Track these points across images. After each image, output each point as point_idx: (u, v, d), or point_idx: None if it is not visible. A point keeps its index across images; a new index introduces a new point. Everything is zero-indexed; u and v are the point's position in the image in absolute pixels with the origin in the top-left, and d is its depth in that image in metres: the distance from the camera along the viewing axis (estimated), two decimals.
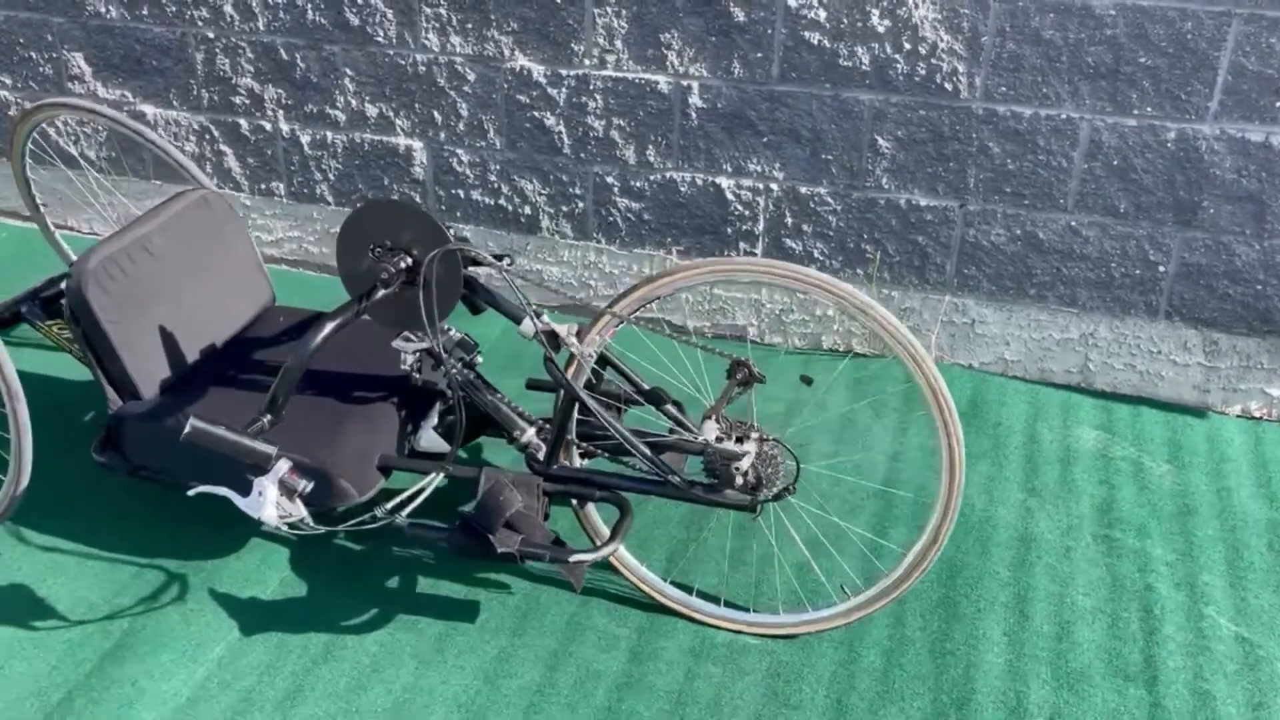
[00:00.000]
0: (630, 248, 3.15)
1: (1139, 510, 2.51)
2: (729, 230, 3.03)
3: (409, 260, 2.04)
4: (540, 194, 3.16)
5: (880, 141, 2.80)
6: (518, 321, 2.11)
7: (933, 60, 2.67)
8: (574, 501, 2.23)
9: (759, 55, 2.80)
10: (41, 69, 3.53)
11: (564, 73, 2.99)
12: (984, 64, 2.65)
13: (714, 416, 1.99)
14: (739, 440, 1.96)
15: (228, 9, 3.22)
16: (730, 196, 2.98)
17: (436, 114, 3.16)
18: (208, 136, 3.44)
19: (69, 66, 3.49)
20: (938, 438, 1.98)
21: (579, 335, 2.06)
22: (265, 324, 2.57)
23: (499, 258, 2.07)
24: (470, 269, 2.12)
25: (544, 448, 2.16)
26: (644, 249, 3.13)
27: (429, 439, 2.28)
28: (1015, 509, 2.50)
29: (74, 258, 3.12)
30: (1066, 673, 2.12)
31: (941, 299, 2.90)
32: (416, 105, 3.17)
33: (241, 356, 2.45)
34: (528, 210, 3.20)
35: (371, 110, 3.22)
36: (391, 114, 3.21)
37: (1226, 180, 2.59)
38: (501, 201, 3.21)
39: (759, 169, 2.93)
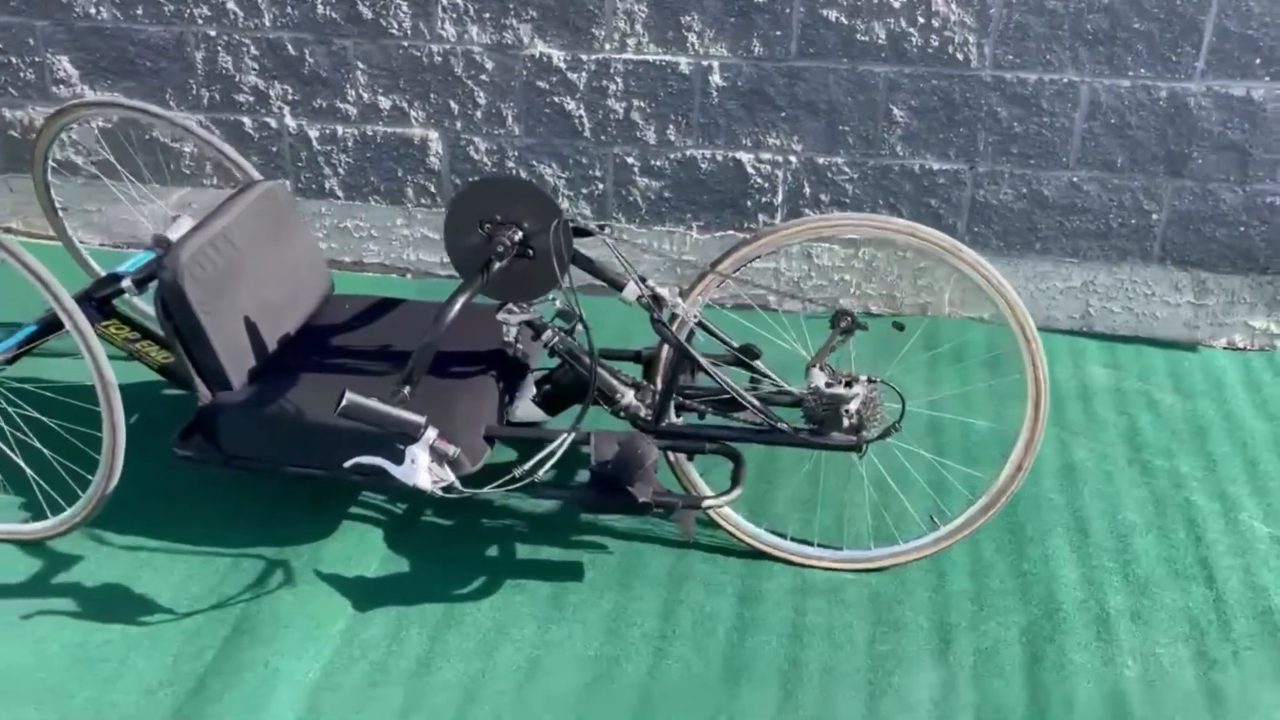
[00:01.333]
0: (650, 225, 3.26)
1: (1160, 435, 2.75)
2: (748, 203, 3.17)
3: (520, 233, 2.12)
4: (559, 177, 3.25)
5: (895, 111, 2.98)
6: (619, 288, 2.21)
7: (945, 32, 2.87)
8: (671, 457, 2.34)
9: (778, 33, 2.95)
10: (23, 74, 3.44)
11: (584, 57, 3.08)
12: (992, 34, 2.85)
13: (818, 365, 2.13)
14: (847, 385, 2.10)
15: (231, 6, 3.20)
16: (750, 170, 3.13)
17: (453, 103, 3.21)
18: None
19: (53, 70, 3.42)
20: (1023, 370, 2.16)
21: (681, 297, 2.17)
22: (333, 311, 2.59)
23: (600, 227, 2.16)
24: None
25: (642, 408, 2.27)
26: (663, 226, 3.25)
27: (525, 409, 2.36)
28: (1052, 442, 2.71)
29: (95, 266, 3.07)
30: (1135, 579, 2.32)
31: None
32: (432, 96, 3.22)
33: (320, 343, 2.48)
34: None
35: (385, 102, 3.25)
36: (406, 105, 3.24)
37: (1213, 133, 2.86)
38: None
39: (778, 142, 3.08)
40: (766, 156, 3.10)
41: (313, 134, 3.33)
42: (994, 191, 3.03)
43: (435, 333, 1.99)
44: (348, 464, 1.95)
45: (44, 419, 2.49)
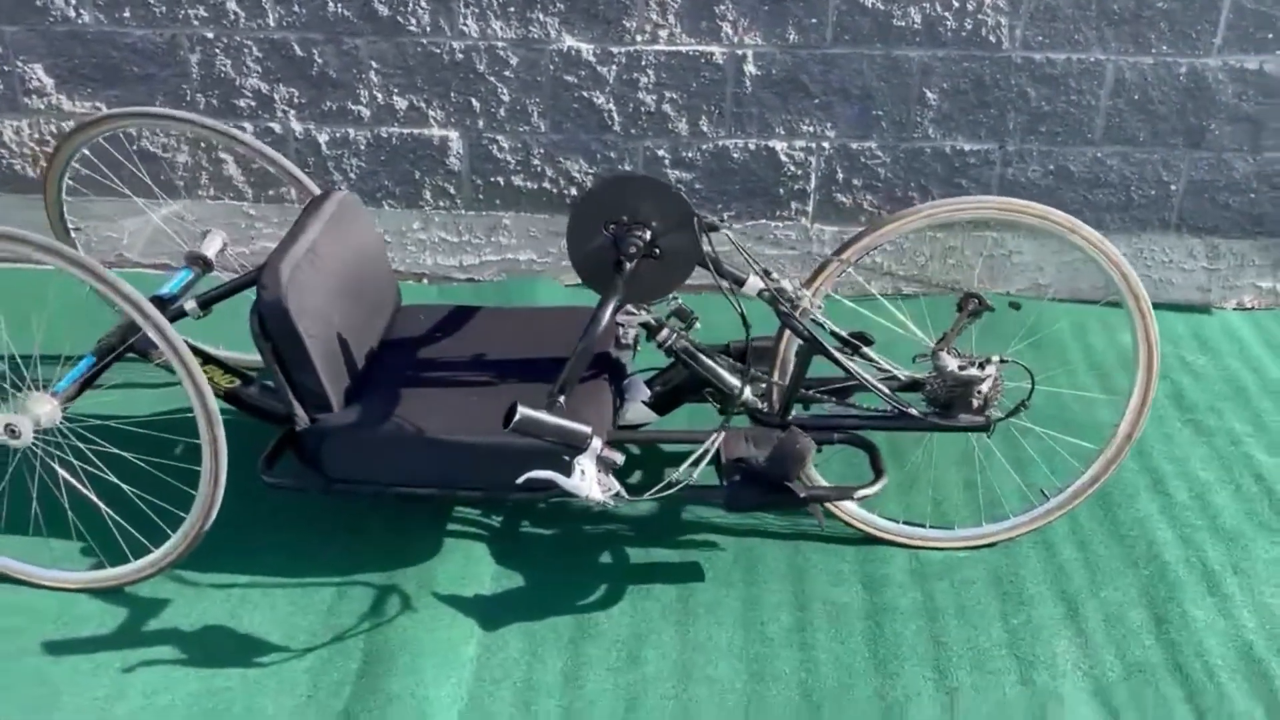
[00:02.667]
0: None
1: (1203, 395, 2.88)
2: (780, 191, 3.17)
3: (649, 232, 2.07)
4: (587, 173, 3.19)
5: (928, 94, 3.03)
6: (740, 283, 2.19)
7: (979, 16, 2.92)
8: None
9: (813, 21, 2.96)
10: None
11: (614, 50, 3.03)
12: (1023, 16, 2.92)
13: (947, 349, 2.15)
14: (980, 366, 2.13)
15: (231, 6, 3.02)
16: (784, 158, 3.13)
17: (475, 101, 3.11)
18: (203, 145, 3.22)
19: (25, 80, 3.16)
20: (1135, 340, 2.23)
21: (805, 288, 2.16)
22: (409, 323, 2.49)
23: (721, 221, 2.13)
24: None
25: (760, 402, 2.25)
26: None
27: (636, 412, 2.31)
28: (1109, 409, 2.81)
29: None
30: (1224, 534, 2.43)
31: (984, 235, 3.18)
32: (452, 94, 3.11)
33: (409, 357, 2.38)
34: (573, 191, 3.21)
35: (401, 103, 3.12)
36: (424, 105, 3.12)
37: (1229, 105, 3.00)
38: (545, 184, 3.20)
39: (812, 129, 3.09)
40: (800, 144, 3.11)
41: (321, 138, 3.18)
42: (1023, 170, 3.11)
43: (589, 341, 1.93)
44: (520, 480, 1.87)
45: (124, 455, 2.31)
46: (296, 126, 3.17)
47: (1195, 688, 2.08)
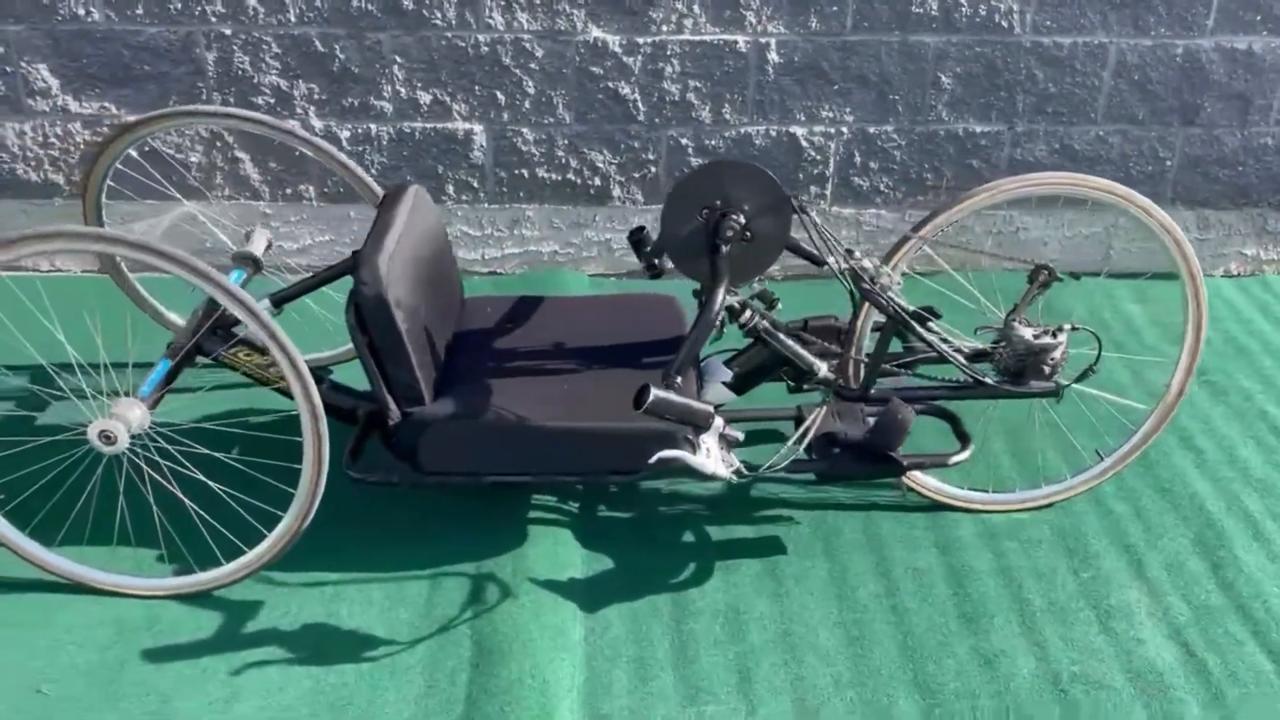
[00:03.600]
0: None
1: (1211, 358, 3.05)
2: (800, 175, 3.26)
3: (743, 217, 2.12)
4: (611, 163, 3.22)
5: (942, 79, 3.15)
6: (819, 263, 2.26)
7: (992, 2, 3.05)
8: None
9: (834, 9, 3.04)
10: None
11: (640, 41, 3.07)
12: (1033, 1, 3.06)
13: (1019, 319, 2.26)
14: (1052, 335, 2.24)
15: (251, 2, 2.98)
16: (804, 144, 3.21)
17: (499, 94, 3.12)
18: (219, 144, 3.16)
19: (29, 81, 3.07)
20: (1186, 304, 2.37)
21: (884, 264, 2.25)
22: (478, 314, 2.50)
23: (804, 204, 2.20)
24: None
25: (839, 377, 2.33)
26: None
27: (715, 392, 2.36)
28: (1127, 374, 2.97)
29: (149, 297, 2.78)
30: (1256, 484, 2.59)
31: (994, 213, 3.31)
32: (476, 88, 3.11)
33: (487, 347, 2.39)
34: (598, 181, 3.24)
35: (424, 97, 3.11)
36: (448, 99, 3.12)
37: (1221, 84, 3.19)
38: (569, 176, 3.23)
39: (831, 115, 3.18)
40: (819, 129, 3.20)
41: (343, 134, 3.15)
42: (1030, 149, 3.25)
43: (704, 324, 1.97)
44: (651, 460, 1.91)
45: (216, 455, 2.28)
46: (317, 123, 3.14)
47: (1260, 626, 2.22)
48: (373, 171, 3.21)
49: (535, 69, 3.09)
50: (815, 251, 2.25)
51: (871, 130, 3.21)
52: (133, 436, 2.12)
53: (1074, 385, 2.31)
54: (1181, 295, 2.39)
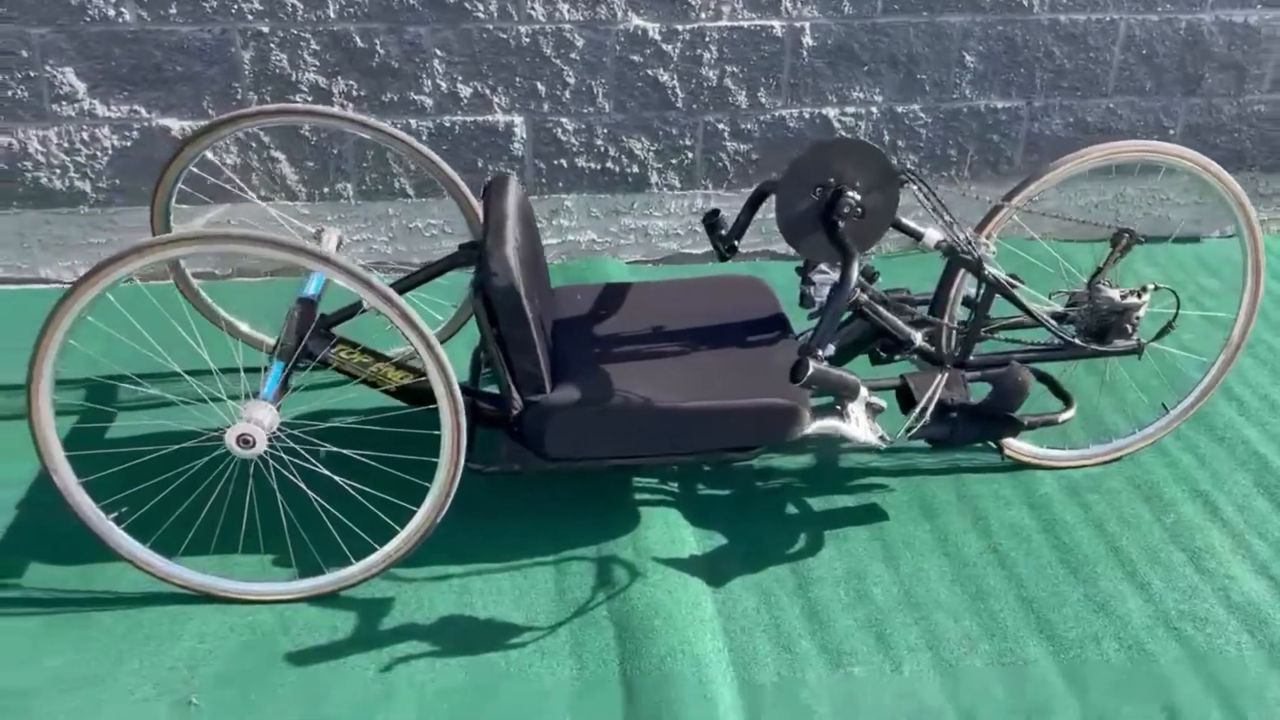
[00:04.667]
0: (737, 188, 3.35)
1: (1228, 312, 3.24)
2: None
3: (857, 194, 2.19)
4: (650, 150, 3.26)
5: (966, 57, 3.26)
6: (917, 236, 2.34)
7: None
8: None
9: None
10: (12, 91, 2.95)
11: (679, 28, 3.11)
12: None
13: (1103, 281, 2.38)
14: (1136, 295, 2.37)
15: None
16: (836, 125, 3.30)
17: (540, 85, 3.13)
18: (254, 145, 3.10)
19: (55, 85, 2.96)
20: (1245, 263, 2.53)
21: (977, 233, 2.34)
22: (571, 302, 2.52)
23: (910, 176, 2.27)
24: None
25: (934, 346, 2.42)
26: (749, 188, 3.35)
27: None
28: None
29: (214, 304, 2.72)
30: None
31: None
32: (517, 79, 3.12)
33: (589, 334, 2.41)
34: (635, 169, 3.28)
35: (465, 90, 3.11)
36: (488, 91, 3.12)
37: (1220, 55, 3.37)
38: (608, 164, 3.26)
39: (862, 95, 3.27)
40: (851, 110, 3.29)
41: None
42: (1046, 123, 3.40)
43: (840, 299, 2.02)
44: (809, 430, 1.97)
45: (344, 452, 2.26)
46: None
47: None
48: (411, 167, 3.19)
49: (576, 59, 3.11)
50: (911, 224, 2.34)
51: (900, 109, 3.31)
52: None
53: (1152, 343, 2.45)
54: (1240, 250, 2.55)
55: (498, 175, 2.36)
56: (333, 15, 2.97)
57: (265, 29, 2.97)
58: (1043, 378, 2.43)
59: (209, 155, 3.09)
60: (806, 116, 3.27)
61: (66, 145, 3.04)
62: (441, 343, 2.06)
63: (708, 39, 3.14)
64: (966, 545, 2.40)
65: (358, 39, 3.01)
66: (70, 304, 1.92)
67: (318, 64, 3.02)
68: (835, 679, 2.08)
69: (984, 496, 2.53)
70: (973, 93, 3.32)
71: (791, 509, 2.50)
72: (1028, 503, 2.52)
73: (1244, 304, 2.57)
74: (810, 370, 1.89)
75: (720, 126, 3.26)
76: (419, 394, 2.32)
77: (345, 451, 2.24)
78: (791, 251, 2.80)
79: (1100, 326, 2.42)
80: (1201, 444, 2.72)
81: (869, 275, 2.37)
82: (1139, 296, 2.37)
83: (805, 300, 2.37)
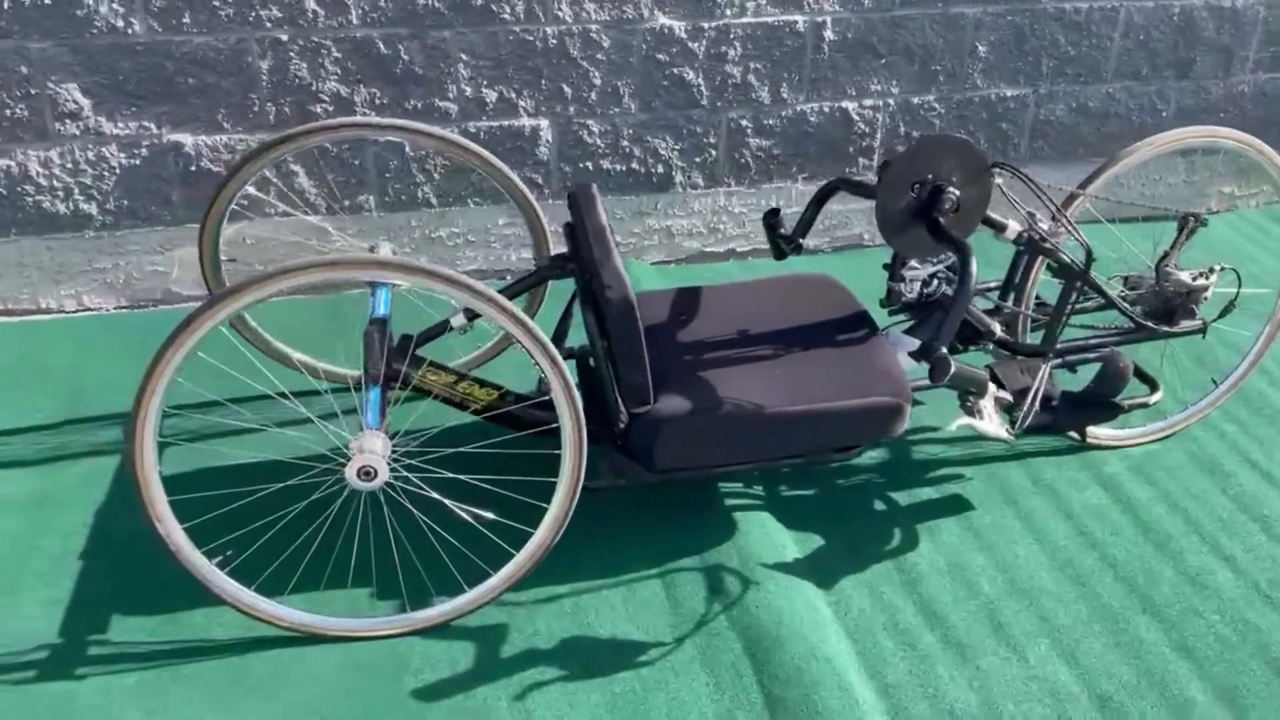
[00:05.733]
0: (758, 185, 3.35)
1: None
2: (850, 149, 3.36)
3: (955, 189, 2.20)
4: (674, 149, 3.23)
5: (979, 47, 3.32)
6: (1000, 229, 2.37)
7: None
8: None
9: None
10: (11, 110, 2.76)
11: (705, 25, 3.08)
12: None
13: (1172, 264, 2.45)
14: (1203, 277, 2.44)
15: (310, 4, 2.80)
16: (855, 117, 3.32)
17: (566, 88, 3.06)
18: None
19: (57, 103, 2.78)
20: None
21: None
22: (648, 309, 2.47)
23: (996, 167, 2.29)
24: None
25: (1014, 336, 2.46)
26: (771, 184, 3.35)
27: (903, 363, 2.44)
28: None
29: (261, 331, 2.60)
30: None
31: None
32: (543, 82, 3.04)
33: (673, 342, 2.38)
34: (660, 169, 3.24)
35: (490, 95, 3.02)
36: (514, 95, 3.04)
37: (1209, 39, 3.50)
38: (634, 165, 3.21)
39: (879, 88, 3.30)
40: (869, 102, 3.31)
41: (405, 140, 3.02)
42: (1051, 110, 3.48)
43: (965, 296, 2.03)
44: (952, 427, 1.97)
45: (460, 478, 2.19)
46: None
47: None
48: (436, 176, 3.09)
49: (602, 60, 3.06)
50: (996, 217, 2.36)
51: (915, 101, 3.35)
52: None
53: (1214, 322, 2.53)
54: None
55: (580, 185, 2.30)
56: (355, 21, 2.86)
57: (284, 37, 2.83)
58: (1106, 358, 2.49)
59: (213, 168, 2.95)
60: (826, 110, 3.29)
61: (71, 166, 2.85)
62: (482, 365, 2.01)
63: (732, 35, 3.12)
64: (1054, 529, 2.44)
65: (381, 45, 2.90)
66: (185, 336, 1.80)
67: (339, 72, 2.90)
68: (966, 672, 2.10)
69: (1058, 480, 2.59)
70: (983, 82, 3.38)
71: (879, 505, 2.51)
72: (1100, 483, 2.59)
73: None
74: (953, 369, 1.90)
75: (744, 123, 3.24)
76: (512, 416, 2.26)
77: (455, 475, 2.17)
78: (809, 246, 2.81)
79: (1166, 308, 2.49)
80: (1241, 414, 2.83)
81: (954, 269, 2.39)
82: (1206, 278, 2.45)
83: (893, 297, 2.38)
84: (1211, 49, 3.54)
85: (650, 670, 2.08)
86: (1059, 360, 2.43)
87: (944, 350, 2.03)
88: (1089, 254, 2.25)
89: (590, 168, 3.19)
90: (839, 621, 2.19)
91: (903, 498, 2.53)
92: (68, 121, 2.81)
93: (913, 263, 2.34)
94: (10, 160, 2.81)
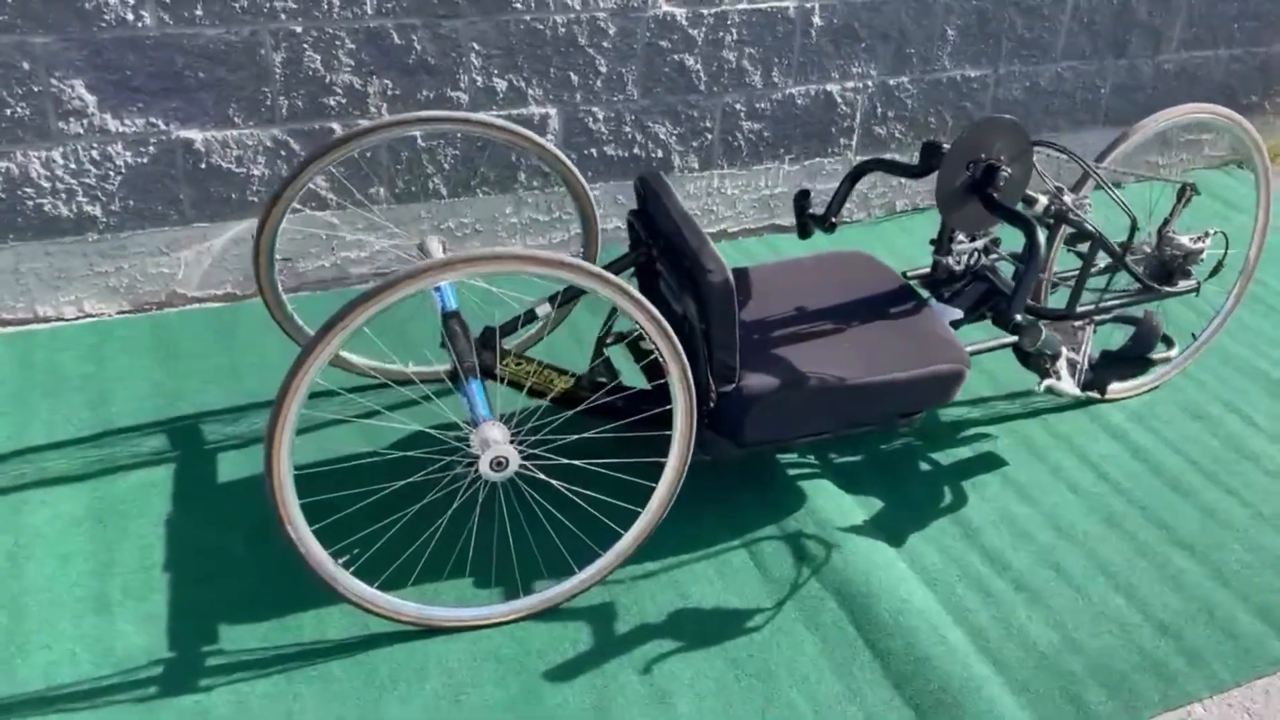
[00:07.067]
0: (749, 166, 3.46)
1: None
2: (833, 129, 3.51)
3: (1007, 168, 2.35)
4: (672, 134, 3.30)
5: (948, 31, 3.51)
6: (1029, 203, 2.55)
7: None
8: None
9: None
10: (11, 110, 2.62)
11: (705, 12, 3.16)
12: None
13: (1171, 230, 2.69)
14: (1200, 240, 2.69)
15: None
16: (838, 100, 3.46)
17: (573, 75, 3.10)
18: (283, 153, 2.90)
19: (61, 101, 2.65)
20: (1258, 200, 2.91)
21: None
22: None
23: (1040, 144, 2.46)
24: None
25: (1037, 304, 2.65)
26: (760, 165, 3.47)
27: None
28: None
29: (309, 330, 2.55)
30: None
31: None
32: (551, 71, 3.07)
33: (745, 316, 2.47)
34: (659, 153, 3.31)
35: (500, 84, 3.03)
36: (523, 84, 3.05)
37: (1142, 21, 3.79)
38: (635, 150, 3.27)
39: (859, 70, 3.45)
40: (850, 85, 3.46)
41: (417, 130, 2.99)
42: (1009, 89, 3.70)
43: (1036, 266, 2.18)
44: (1040, 389, 2.12)
45: (574, 463, 2.21)
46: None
47: None
48: (445, 167, 3.08)
49: (608, 47, 3.11)
50: (1029, 192, 2.54)
51: (891, 82, 3.52)
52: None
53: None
54: (1255, 185, 2.93)
55: (649, 171, 2.37)
56: (370, 11, 2.82)
57: (299, 29, 2.78)
58: (1133, 320, 2.71)
59: (224, 165, 2.88)
60: (812, 93, 3.42)
61: (74, 166, 2.73)
62: (525, 350, 2.08)
63: (729, 21, 3.21)
64: (1081, 478, 2.66)
65: (395, 35, 2.87)
66: (334, 332, 1.79)
67: (353, 64, 2.86)
68: (1041, 612, 2.28)
69: (1074, 434, 2.81)
70: (951, 64, 3.58)
71: (924, 465, 2.67)
72: (1109, 434, 2.82)
73: (1257, 229, 2.97)
74: (1044, 335, 2.06)
75: (737, 107, 3.35)
76: (582, 399, 2.32)
77: (570, 461, 2.21)
78: (791, 224, 2.97)
79: (1165, 270, 2.73)
80: (1211, 363, 3.12)
81: (996, 241, 2.56)
82: (1203, 241, 2.70)
83: (939, 269, 2.54)
84: (1143, 30, 3.83)
85: (760, 634, 2.18)
86: (1092, 322, 2.64)
87: (1017, 318, 2.19)
88: (1133, 224, 2.45)
89: (594, 154, 3.24)
90: (917, 576, 2.34)
91: (943, 458, 2.70)
92: (71, 120, 2.68)
93: (961, 237, 2.50)
94: (10, 162, 2.67)
